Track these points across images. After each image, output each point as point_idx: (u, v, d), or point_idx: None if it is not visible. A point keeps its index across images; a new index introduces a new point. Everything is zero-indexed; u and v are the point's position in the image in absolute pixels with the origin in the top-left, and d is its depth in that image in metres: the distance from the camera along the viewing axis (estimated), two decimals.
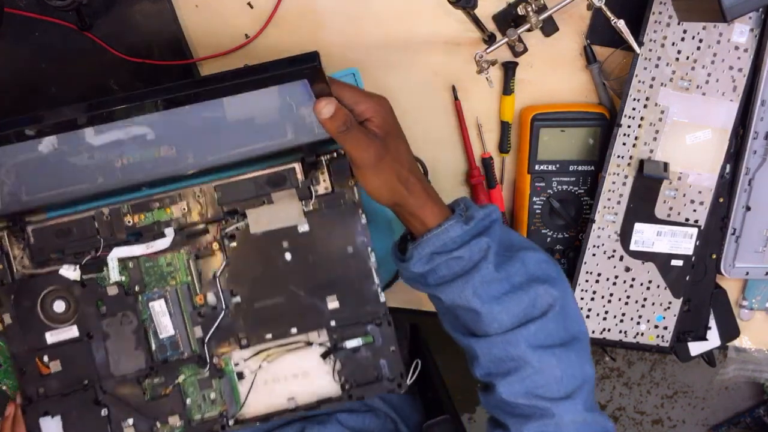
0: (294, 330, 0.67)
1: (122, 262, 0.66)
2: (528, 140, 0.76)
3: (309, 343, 0.67)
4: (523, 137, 0.77)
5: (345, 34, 0.75)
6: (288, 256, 0.67)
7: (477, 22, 0.71)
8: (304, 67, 0.52)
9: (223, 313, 0.66)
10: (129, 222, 0.66)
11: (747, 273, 0.79)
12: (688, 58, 0.71)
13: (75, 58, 0.72)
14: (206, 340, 0.66)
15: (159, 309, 0.66)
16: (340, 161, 0.67)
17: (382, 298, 0.67)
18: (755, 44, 0.71)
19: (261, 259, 0.67)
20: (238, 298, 0.67)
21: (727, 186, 0.76)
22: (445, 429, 0.77)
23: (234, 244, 0.67)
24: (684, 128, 0.73)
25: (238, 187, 0.67)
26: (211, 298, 0.67)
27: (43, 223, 0.66)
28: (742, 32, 0.71)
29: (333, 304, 0.67)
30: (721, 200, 0.76)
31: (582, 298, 0.76)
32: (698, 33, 0.71)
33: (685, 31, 0.71)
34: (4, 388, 0.69)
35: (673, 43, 0.71)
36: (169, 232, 0.66)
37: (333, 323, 0.67)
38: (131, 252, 0.66)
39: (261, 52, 0.74)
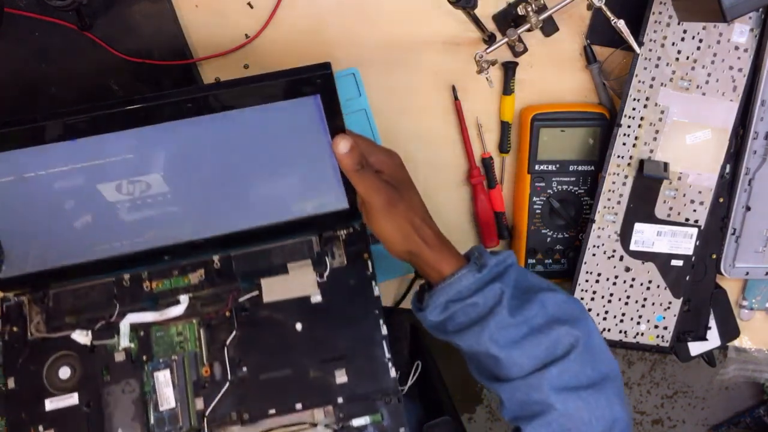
0: (299, 405, 0.64)
1: (134, 329, 0.66)
2: (528, 140, 0.76)
3: (314, 425, 0.65)
4: (523, 137, 0.77)
5: (345, 34, 0.75)
6: (299, 326, 0.66)
7: (477, 22, 0.71)
8: (316, 74, 0.53)
9: (227, 384, 0.65)
10: (147, 287, 0.67)
11: (747, 273, 0.79)
12: (688, 58, 0.71)
13: (75, 58, 0.72)
14: (207, 414, 0.64)
15: (163, 379, 0.65)
16: (356, 236, 0.68)
17: (393, 372, 0.65)
18: (755, 44, 0.71)
19: (271, 328, 0.66)
20: (244, 369, 0.65)
21: (727, 186, 0.76)
22: (445, 430, 0.77)
23: (246, 312, 0.67)
24: (684, 128, 0.73)
25: (256, 258, 0.67)
26: (217, 368, 0.65)
27: (64, 287, 0.66)
28: (742, 32, 0.71)
29: (341, 378, 0.65)
30: (721, 200, 0.76)
31: (582, 298, 0.76)
32: (698, 33, 0.71)
33: (685, 31, 0.71)
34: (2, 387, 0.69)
35: (673, 43, 0.71)
36: (184, 299, 0.67)
37: (340, 399, 0.64)
38: (144, 318, 0.66)
39: (261, 52, 0.74)
